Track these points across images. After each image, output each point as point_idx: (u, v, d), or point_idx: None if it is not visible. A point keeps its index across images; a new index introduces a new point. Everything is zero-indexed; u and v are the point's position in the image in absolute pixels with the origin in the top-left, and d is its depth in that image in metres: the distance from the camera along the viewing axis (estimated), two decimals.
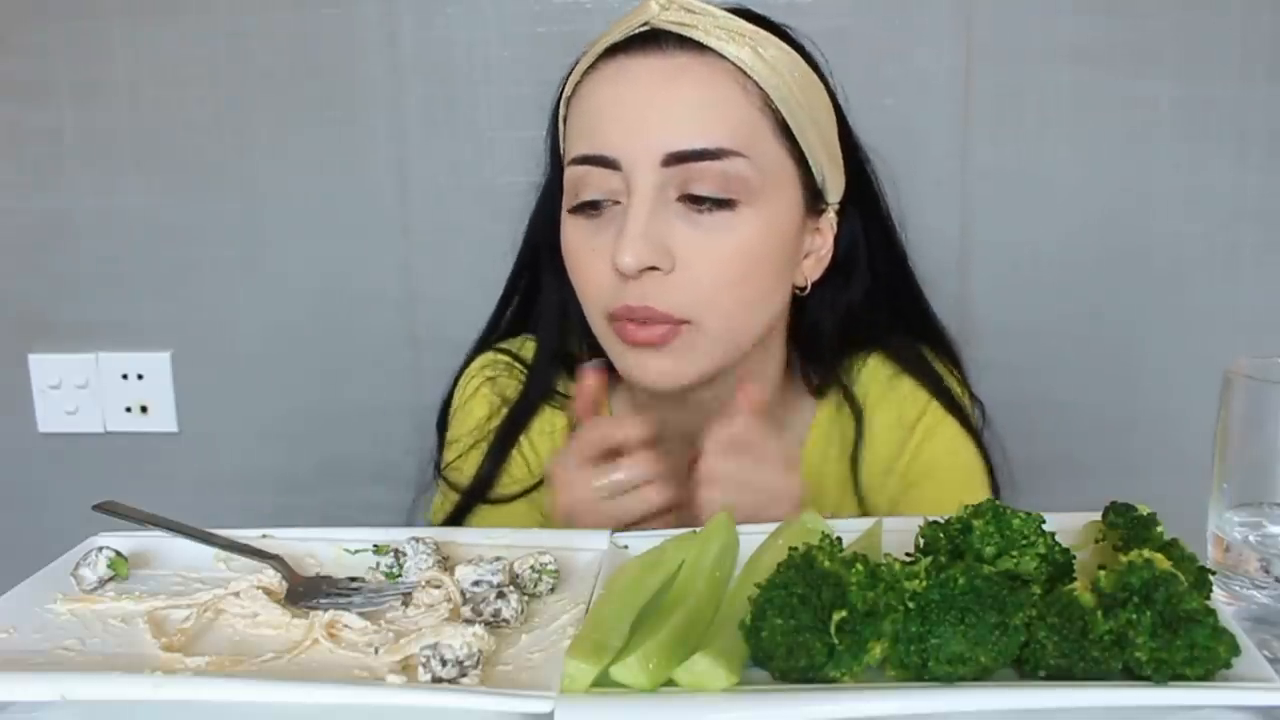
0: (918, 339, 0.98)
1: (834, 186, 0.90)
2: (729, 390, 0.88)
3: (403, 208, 1.28)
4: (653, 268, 0.82)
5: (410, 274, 1.29)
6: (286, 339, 1.32)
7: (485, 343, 1.01)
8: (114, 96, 1.28)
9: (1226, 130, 1.21)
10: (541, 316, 0.97)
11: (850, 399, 0.95)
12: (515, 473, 0.96)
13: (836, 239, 0.91)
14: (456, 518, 0.96)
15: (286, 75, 1.26)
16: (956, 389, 0.97)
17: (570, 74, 0.89)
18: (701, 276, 0.83)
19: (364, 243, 1.29)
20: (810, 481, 0.93)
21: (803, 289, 0.90)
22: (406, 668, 0.58)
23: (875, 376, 0.96)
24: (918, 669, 0.54)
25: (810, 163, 0.87)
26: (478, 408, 0.99)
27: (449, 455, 0.99)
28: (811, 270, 0.91)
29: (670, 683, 0.55)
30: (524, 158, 1.25)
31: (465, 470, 0.97)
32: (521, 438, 0.97)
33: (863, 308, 0.94)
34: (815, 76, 0.88)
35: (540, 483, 0.94)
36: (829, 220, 0.91)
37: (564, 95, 0.90)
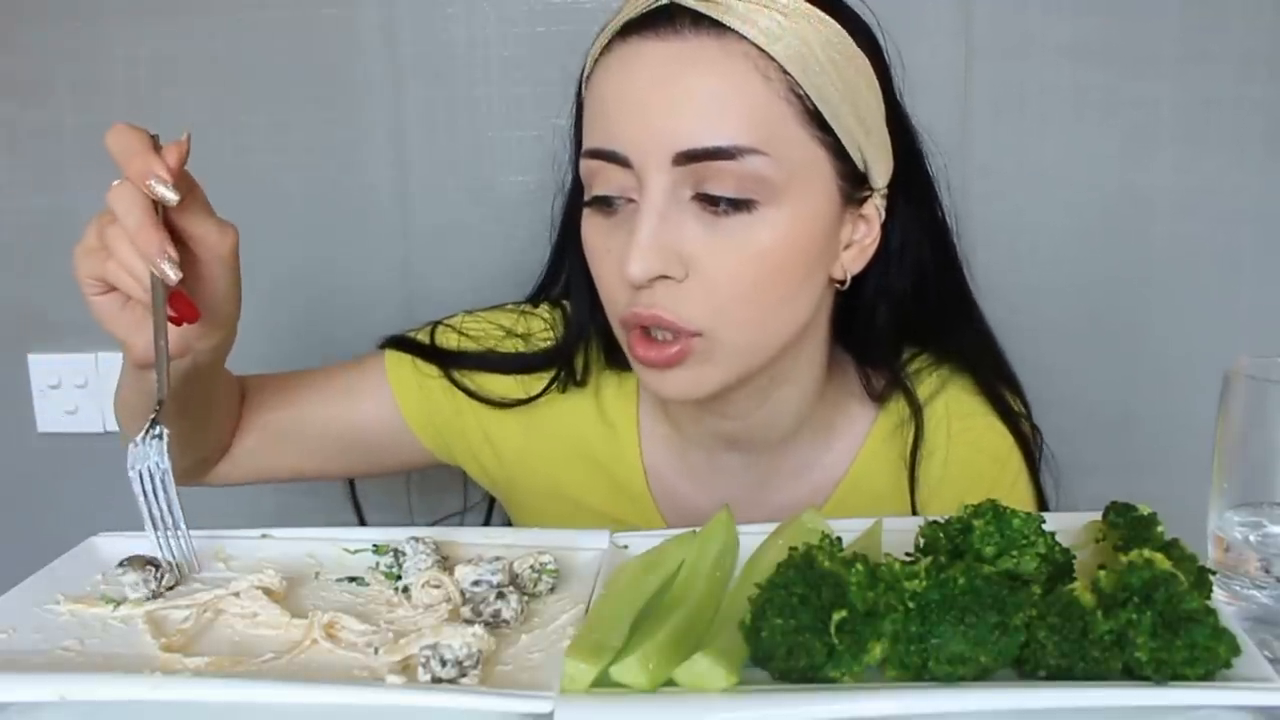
0: (967, 349, 0.94)
1: (880, 169, 0.82)
2: (764, 393, 0.86)
3: (403, 208, 1.28)
4: (664, 276, 0.76)
5: (410, 274, 1.29)
6: (286, 339, 1.32)
7: (533, 301, 0.98)
8: (114, 96, 1.28)
9: (1226, 130, 1.21)
10: (573, 309, 0.93)
11: (912, 402, 0.90)
12: (486, 384, 0.94)
13: (885, 226, 0.84)
14: (402, 343, 0.95)
15: (286, 75, 1.26)
16: (1027, 430, 0.93)
17: (590, 50, 0.83)
18: (717, 285, 0.77)
19: (364, 243, 1.29)
20: (860, 492, 0.91)
21: (842, 282, 0.84)
22: (406, 668, 0.58)
23: (960, 402, 0.92)
24: (918, 669, 0.54)
25: (848, 149, 0.79)
26: (520, 325, 0.95)
27: (461, 318, 0.97)
28: (853, 262, 0.83)
29: (670, 683, 0.55)
30: (524, 158, 1.26)
31: (457, 340, 0.95)
32: (519, 379, 0.94)
33: (915, 302, 0.88)
34: (859, 49, 0.79)
35: (492, 402, 0.93)
36: (875, 206, 0.83)
37: (583, 74, 0.83)
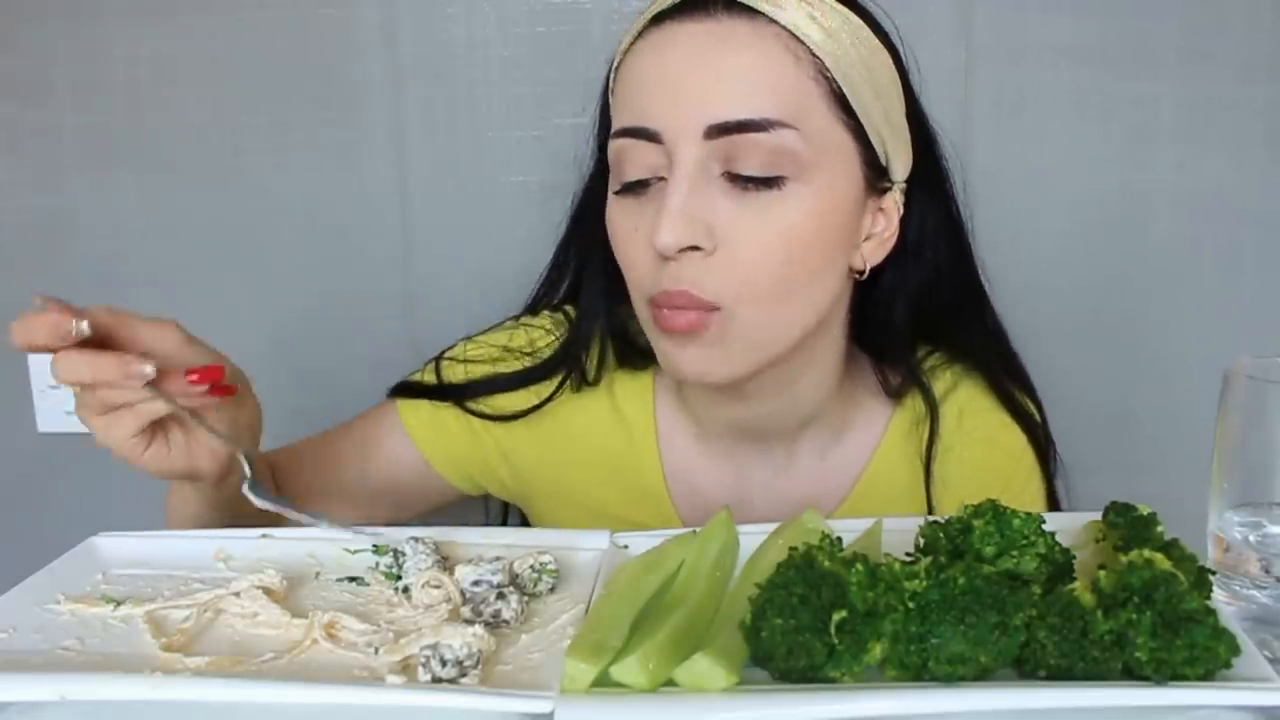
0: (980, 347, 0.94)
1: (899, 164, 0.84)
2: (787, 384, 0.86)
3: (403, 208, 1.28)
4: (694, 248, 0.76)
5: (410, 274, 1.29)
6: (286, 339, 1.32)
7: (532, 311, 0.98)
8: (114, 96, 1.28)
9: (1226, 131, 1.21)
10: (583, 303, 0.93)
11: (928, 398, 0.91)
12: (500, 403, 0.94)
13: (903, 221, 0.86)
14: (412, 389, 0.96)
15: (285, 75, 1.26)
16: (1040, 430, 0.94)
17: (620, 44, 0.84)
18: (744, 258, 0.77)
19: (364, 243, 1.29)
20: (878, 489, 0.92)
21: (861, 273, 0.85)
22: (406, 668, 0.58)
23: (973, 400, 0.93)
24: (918, 669, 0.54)
25: (870, 137, 0.81)
26: (519, 338, 0.96)
27: (463, 346, 0.97)
28: (872, 253, 0.85)
29: (670, 683, 0.55)
30: (524, 158, 1.26)
31: (464, 370, 0.95)
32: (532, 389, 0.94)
33: (930, 298, 0.89)
34: (881, 45, 0.82)
35: (508, 416, 0.93)
36: (894, 200, 0.85)
37: (613, 68, 0.84)
